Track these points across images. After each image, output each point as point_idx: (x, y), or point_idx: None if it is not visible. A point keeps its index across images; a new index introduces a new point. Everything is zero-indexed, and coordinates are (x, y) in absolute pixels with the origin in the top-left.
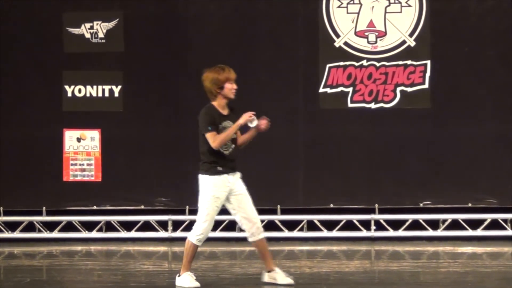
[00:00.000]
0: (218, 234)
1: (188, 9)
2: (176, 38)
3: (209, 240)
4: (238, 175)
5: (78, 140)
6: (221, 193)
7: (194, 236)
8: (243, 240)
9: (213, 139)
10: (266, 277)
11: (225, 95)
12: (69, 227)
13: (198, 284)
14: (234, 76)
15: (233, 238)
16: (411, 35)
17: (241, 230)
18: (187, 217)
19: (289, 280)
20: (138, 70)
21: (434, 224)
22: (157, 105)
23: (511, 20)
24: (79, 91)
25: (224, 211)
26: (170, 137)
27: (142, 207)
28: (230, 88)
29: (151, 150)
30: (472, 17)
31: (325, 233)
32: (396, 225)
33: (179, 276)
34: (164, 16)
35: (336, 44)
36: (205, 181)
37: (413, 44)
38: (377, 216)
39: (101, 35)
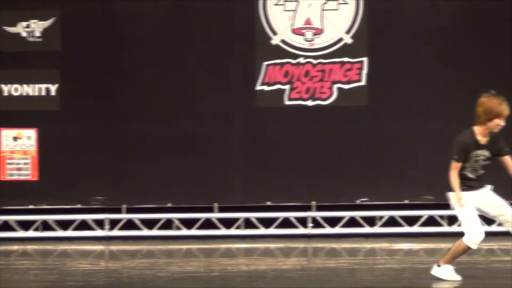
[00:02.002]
0: (155, 232)
1: (124, 8)
2: (112, 37)
3: (146, 238)
4: (486, 188)
5: (15, 139)
6: (468, 200)
7: (469, 240)
8: (180, 238)
9: (452, 171)
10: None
11: (490, 127)
12: (6, 226)
13: (458, 277)
14: (507, 113)
15: (170, 236)
16: (348, 32)
17: (178, 228)
18: (124, 216)
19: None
20: (75, 69)
21: (371, 221)
22: (94, 104)
23: (446, 19)
24: (16, 90)
25: (158, 209)
26: (107, 136)
27: (79, 206)
28: (497, 124)
29: (88, 149)
30: (408, 15)
31: (262, 230)
32: (333, 222)
33: (438, 266)
34: (100, 15)
35: (273, 42)
36: (451, 196)
37: (350, 41)
38: (314, 213)
39: (37, 33)
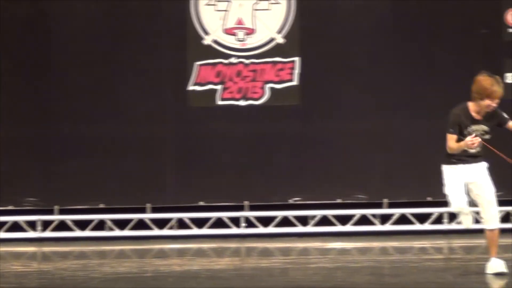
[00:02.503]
0: (87, 233)
1: (53, 8)
2: (42, 37)
3: (78, 239)
4: (480, 165)
5: None
6: (456, 176)
7: (453, 209)
8: (113, 239)
9: (449, 143)
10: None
11: (481, 107)
12: None
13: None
14: (499, 95)
15: (102, 237)
16: (279, 32)
17: (110, 229)
18: (56, 217)
19: (498, 270)
20: (6, 70)
21: (304, 220)
22: (24, 105)
23: (378, 19)
24: None
25: (91, 210)
26: (37, 137)
27: (11, 207)
28: (488, 104)
29: (19, 150)
30: (340, 15)
31: (195, 230)
32: (265, 221)
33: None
34: (30, 15)
35: (205, 42)
36: (443, 170)
37: (282, 41)
38: (246, 213)
39: None
